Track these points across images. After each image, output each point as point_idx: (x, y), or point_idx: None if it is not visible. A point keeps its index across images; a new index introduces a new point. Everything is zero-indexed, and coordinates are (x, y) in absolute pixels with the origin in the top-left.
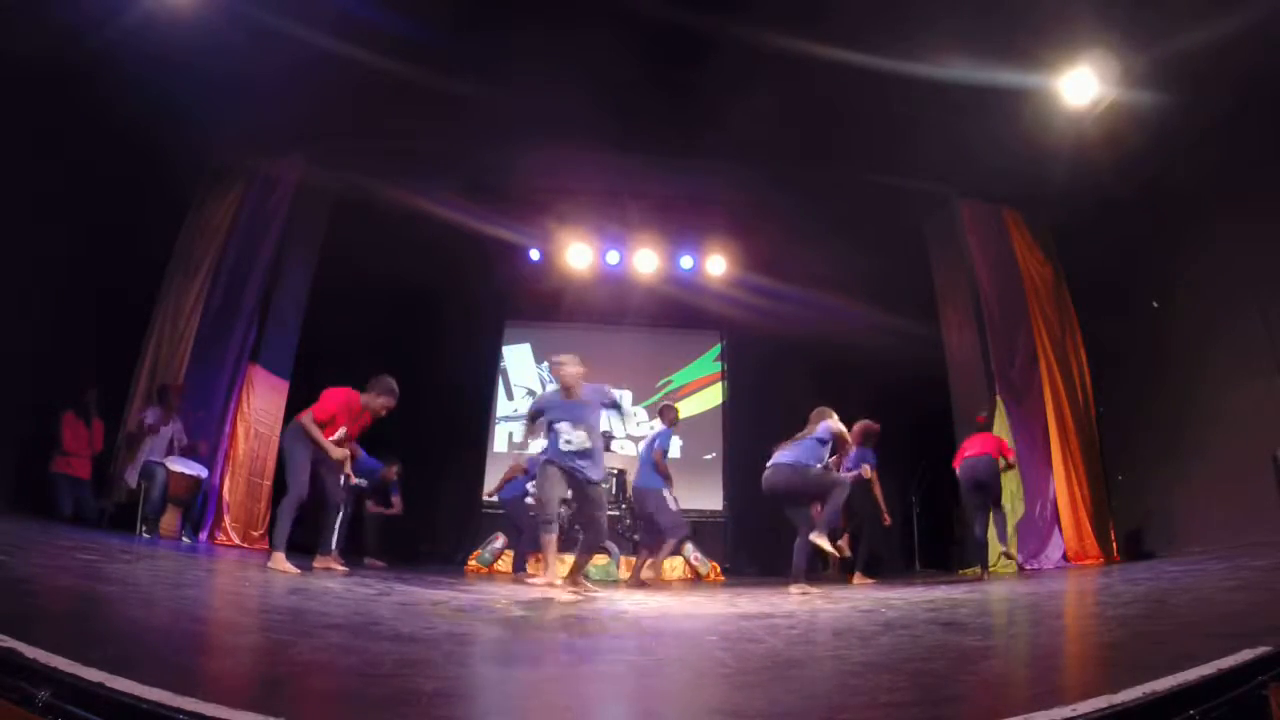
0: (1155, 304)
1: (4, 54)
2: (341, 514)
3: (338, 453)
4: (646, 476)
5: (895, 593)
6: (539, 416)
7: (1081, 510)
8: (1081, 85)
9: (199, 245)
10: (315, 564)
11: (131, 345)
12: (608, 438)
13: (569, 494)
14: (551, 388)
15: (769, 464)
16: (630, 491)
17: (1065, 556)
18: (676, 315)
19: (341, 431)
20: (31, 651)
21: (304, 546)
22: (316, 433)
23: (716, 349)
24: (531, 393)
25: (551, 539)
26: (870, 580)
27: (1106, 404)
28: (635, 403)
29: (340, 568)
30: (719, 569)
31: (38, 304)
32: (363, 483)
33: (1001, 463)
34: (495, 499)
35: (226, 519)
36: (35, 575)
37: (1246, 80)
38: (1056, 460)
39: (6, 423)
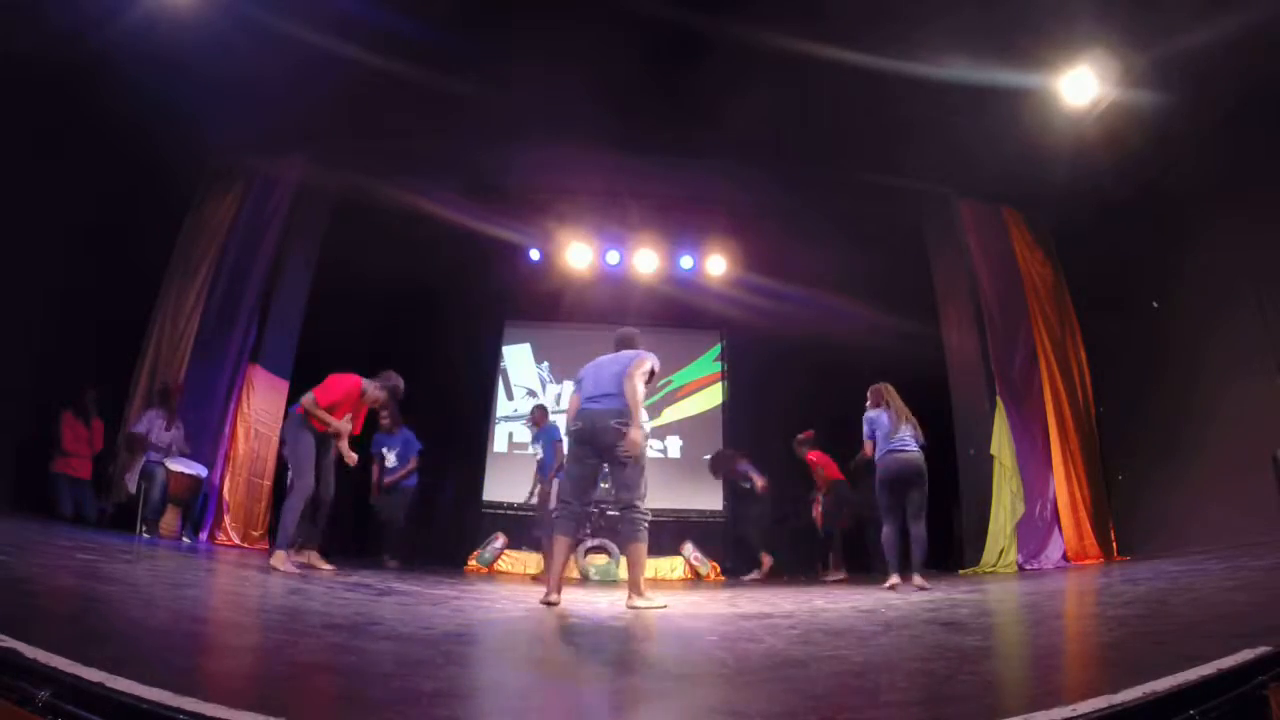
0: (1155, 304)
1: (4, 54)
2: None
3: (346, 427)
4: None
5: (895, 593)
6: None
7: (1081, 510)
8: (1081, 85)
9: (199, 245)
10: (299, 557)
11: (131, 345)
12: None
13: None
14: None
15: (907, 447)
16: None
17: (1065, 556)
18: (676, 315)
19: (346, 419)
20: (31, 651)
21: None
22: (323, 413)
23: (716, 349)
24: (532, 393)
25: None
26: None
27: (1106, 404)
28: None
29: (325, 566)
30: (719, 569)
31: (38, 304)
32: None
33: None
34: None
35: (226, 519)
36: (35, 575)
37: (1246, 80)
38: (1056, 460)
39: (6, 423)
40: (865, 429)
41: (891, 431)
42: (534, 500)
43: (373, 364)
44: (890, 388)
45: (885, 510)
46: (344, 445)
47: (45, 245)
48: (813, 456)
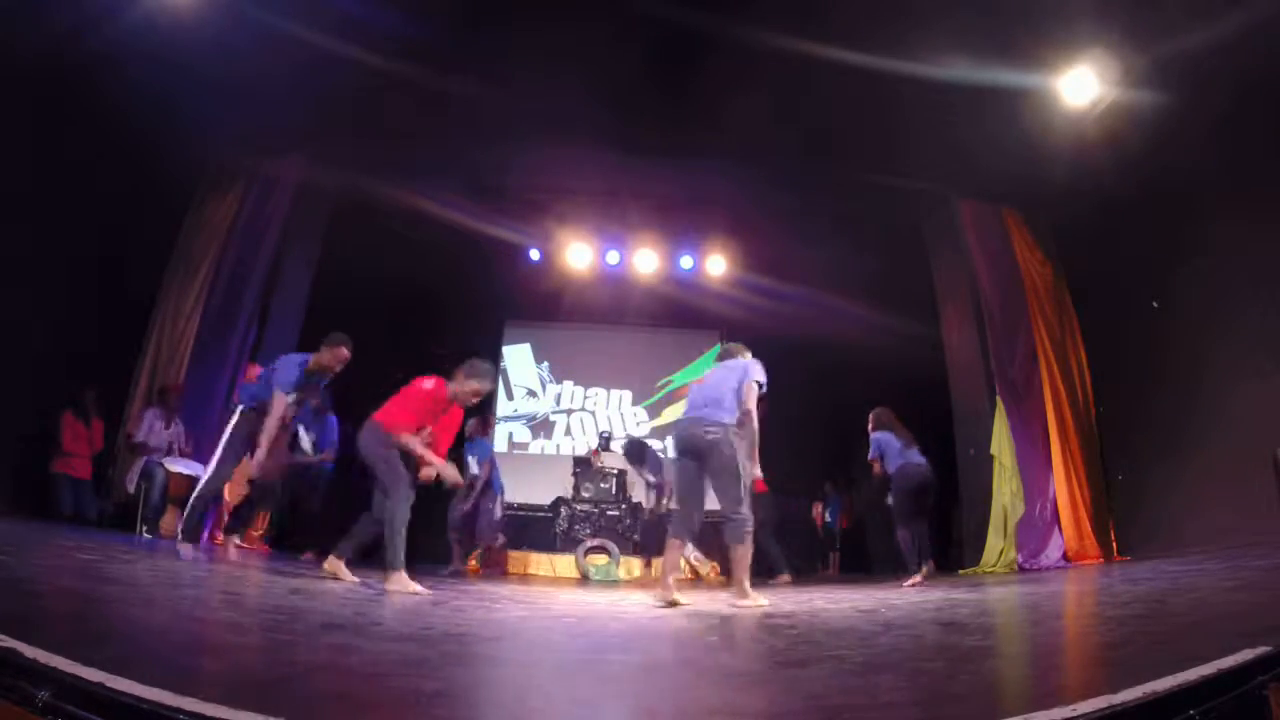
0: (1155, 304)
1: (4, 54)
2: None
3: (439, 462)
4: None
5: (895, 593)
6: None
7: (1081, 510)
8: (1081, 85)
9: (199, 245)
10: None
11: (131, 345)
12: (606, 438)
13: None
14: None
15: (922, 460)
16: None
17: (1065, 556)
18: (676, 315)
19: (426, 432)
20: (31, 651)
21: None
22: (417, 447)
23: (716, 349)
24: (532, 393)
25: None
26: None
27: (1106, 404)
28: (635, 403)
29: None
30: (719, 569)
31: (38, 304)
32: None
33: None
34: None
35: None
36: (35, 575)
37: (1246, 80)
38: (1056, 460)
39: (6, 423)
40: (873, 450)
41: (904, 448)
42: (466, 508)
43: (372, 364)
44: (890, 411)
45: (905, 515)
46: (427, 473)
47: (45, 245)
48: None
